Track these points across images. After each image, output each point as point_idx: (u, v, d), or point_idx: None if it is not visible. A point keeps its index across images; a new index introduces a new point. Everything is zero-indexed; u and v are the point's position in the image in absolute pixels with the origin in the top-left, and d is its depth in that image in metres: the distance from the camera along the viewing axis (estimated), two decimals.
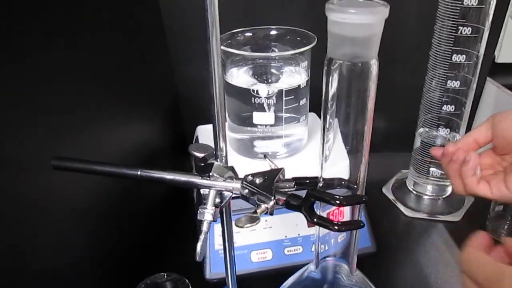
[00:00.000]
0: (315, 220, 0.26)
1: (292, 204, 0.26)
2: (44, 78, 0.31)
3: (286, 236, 0.49)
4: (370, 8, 0.21)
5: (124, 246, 0.45)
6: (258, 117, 0.50)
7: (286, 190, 0.28)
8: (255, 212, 0.26)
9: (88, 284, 0.39)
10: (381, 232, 0.54)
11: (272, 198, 0.27)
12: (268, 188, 0.27)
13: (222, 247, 0.47)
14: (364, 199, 0.25)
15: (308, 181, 0.29)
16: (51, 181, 0.33)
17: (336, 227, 0.25)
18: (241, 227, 0.26)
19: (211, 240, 0.48)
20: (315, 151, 0.55)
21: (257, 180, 0.28)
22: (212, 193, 0.29)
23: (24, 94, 0.29)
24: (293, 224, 0.50)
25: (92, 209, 0.39)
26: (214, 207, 0.28)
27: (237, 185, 0.28)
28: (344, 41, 0.22)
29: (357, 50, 0.22)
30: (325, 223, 0.26)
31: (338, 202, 0.25)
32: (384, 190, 0.65)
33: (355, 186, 0.28)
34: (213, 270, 0.48)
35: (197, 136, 0.59)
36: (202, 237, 0.28)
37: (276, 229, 0.49)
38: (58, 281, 0.33)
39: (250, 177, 0.28)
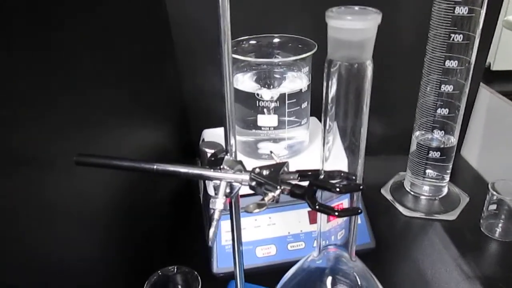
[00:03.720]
0: (317, 207, 0.28)
1: (296, 193, 0.29)
2: (75, 90, 0.34)
3: (289, 233, 0.52)
4: (364, 15, 0.24)
5: (135, 241, 0.48)
6: (262, 120, 0.52)
7: (290, 181, 0.31)
8: (263, 199, 0.29)
9: (102, 276, 0.41)
10: (380, 230, 0.57)
11: (278, 187, 0.29)
12: (274, 179, 0.30)
13: (228, 243, 0.50)
14: (361, 187, 0.28)
15: (310, 173, 0.31)
16: (70, 179, 0.35)
17: (336, 213, 0.28)
18: (250, 212, 0.28)
19: (218, 237, 0.51)
20: (315, 153, 0.58)
21: (264, 172, 0.31)
22: (223, 184, 0.31)
23: (56, 101, 0.32)
24: (295, 221, 0.52)
25: (106, 207, 0.42)
26: (225, 197, 0.31)
27: (246, 176, 0.31)
28: (342, 44, 0.25)
29: (354, 52, 0.25)
30: (326, 209, 0.28)
31: (338, 189, 0.28)
32: (382, 191, 0.68)
33: (354, 177, 0.30)
34: (220, 265, 0.50)
35: (203, 139, 0.62)
36: (214, 223, 0.30)
37: (280, 226, 0.52)
38: (74, 273, 0.36)
39: (257, 169, 0.31)
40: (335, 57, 0.26)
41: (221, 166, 0.32)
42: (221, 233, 0.51)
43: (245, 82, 0.54)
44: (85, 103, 0.37)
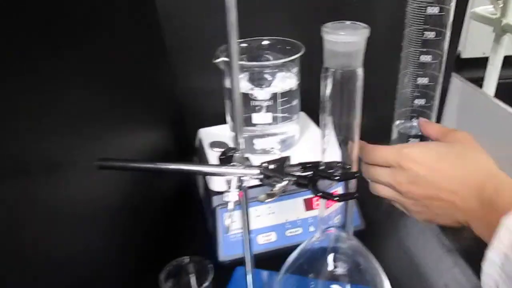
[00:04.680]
0: (319, 194, 0.33)
1: (301, 183, 0.34)
2: (77, 97, 0.37)
3: (287, 220, 0.56)
4: (355, 30, 0.29)
5: (145, 236, 0.52)
6: (257, 118, 0.57)
7: (294, 172, 0.35)
8: (272, 190, 0.33)
9: (122, 268, 0.45)
10: (369, 213, 0.62)
11: (285, 179, 0.34)
12: (280, 172, 0.34)
13: (232, 233, 0.55)
14: (356, 174, 0.33)
15: (311, 165, 0.36)
16: (88, 181, 0.39)
17: (336, 198, 0.33)
18: (262, 201, 0.33)
19: (222, 228, 0.55)
20: (306, 146, 0.63)
21: (271, 166, 0.35)
22: (235, 178, 0.36)
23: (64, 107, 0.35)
24: (292, 209, 0.57)
25: (119, 206, 0.45)
26: (237, 190, 0.35)
27: (255, 171, 0.35)
28: (337, 55, 0.30)
29: (347, 61, 0.30)
30: (328, 196, 0.33)
31: (337, 178, 0.32)
32: None
33: (349, 166, 0.35)
34: (225, 253, 0.54)
35: (199, 138, 0.66)
36: (229, 214, 0.35)
37: (278, 214, 0.56)
38: (95, 265, 0.40)
39: (265, 164, 0.35)
40: (331, 65, 0.30)
41: (232, 163, 0.36)
42: (225, 224, 0.55)
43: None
44: (84, 107, 0.39)
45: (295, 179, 0.34)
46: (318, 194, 0.33)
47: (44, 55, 0.32)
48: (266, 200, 0.33)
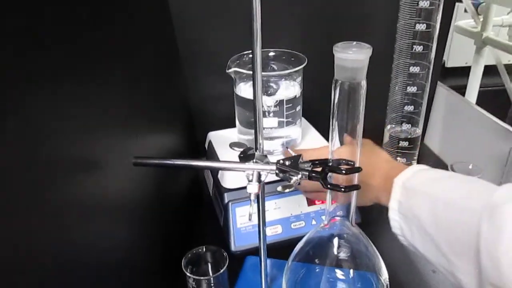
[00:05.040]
0: (328, 186, 0.39)
1: (313, 176, 0.40)
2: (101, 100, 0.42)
3: (291, 214, 0.62)
4: (361, 49, 0.35)
5: (170, 228, 0.57)
6: (264, 122, 0.63)
7: (306, 168, 0.41)
8: (289, 182, 0.40)
9: (151, 255, 0.50)
10: (364, 208, 0.68)
11: (299, 173, 0.40)
12: (295, 167, 0.40)
13: (243, 225, 0.61)
14: (360, 169, 0.39)
15: (320, 161, 0.42)
16: (122, 178, 0.44)
17: (343, 189, 0.39)
18: (281, 192, 0.39)
19: (234, 221, 0.61)
20: (307, 148, 0.69)
21: (286, 162, 0.41)
22: (256, 173, 0.42)
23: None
24: (296, 204, 0.63)
25: (150, 201, 0.51)
26: (258, 183, 0.41)
27: (273, 167, 0.41)
28: (345, 70, 0.36)
29: (353, 75, 0.36)
30: (335, 187, 0.39)
31: (343, 171, 0.38)
32: None
33: (352, 163, 0.41)
34: (237, 244, 0.60)
35: (209, 140, 0.72)
36: (252, 204, 0.41)
37: (283, 209, 0.62)
38: (129, 253, 0.45)
39: (281, 161, 0.41)
40: (340, 78, 0.37)
41: (254, 160, 0.42)
42: (236, 218, 0.61)
43: (247, 90, 0.64)
44: (116, 113, 0.43)
45: (307, 173, 0.40)
46: (326, 187, 0.39)
47: (89, 69, 0.37)
48: (286, 191, 0.39)
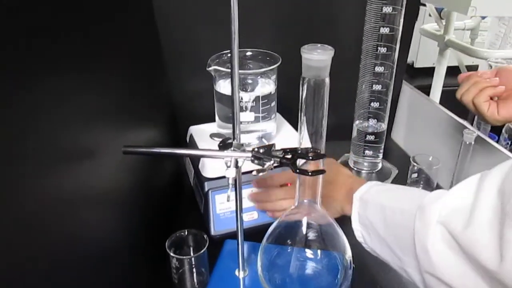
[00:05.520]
0: (297, 170, 0.45)
1: (283, 162, 0.45)
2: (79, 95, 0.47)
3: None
4: (325, 50, 0.40)
5: (155, 214, 0.62)
6: (242, 116, 0.68)
7: (278, 155, 0.47)
8: (263, 167, 0.45)
9: (137, 238, 0.55)
10: None
11: (272, 159, 0.45)
12: (268, 154, 0.46)
13: (222, 211, 0.66)
14: (325, 155, 0.45)
15: (290, 149, 0.47)
16: (111, 167, 0.48)
17: (309, 173, 0.44)
18: (255, 175, 0.44)
19: (213, 207, 0.66)
20: (281, 141, 0.74)
21: (261, 150, 0.46)
22: (233, 160, 0.47)
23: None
24: None
25: (128, 190, 0.55)
26: (235, 168, 0.46)
27: (248, 154, 0.46)
28: (311, 68, 0.41)
29: (318, 73, 0.42)
30: (303, 172, 0.45)
31: (310, 157, 0.44)
32: None
33: (319, 151, 0.47)
34: (217, 228, 0.65)
35: (191, 134, 0.77)
36: (230, 187, 0.46)
37: None
38: (119, 236, 0.49)
39: (256, 149, 0.46)
40: (307, 75, 0.42)
41: (232, 148, 0.47)
42: (215, 205, 0.66)
43: (226, 87, 0.69)
44: (102, 107, 0.46)
45: (279, 159, 0.45)
46: (295, 171, 0.44)
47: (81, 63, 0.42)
48: (259, 175, 0.44)
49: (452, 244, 0.39)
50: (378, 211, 0.50)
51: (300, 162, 0.46)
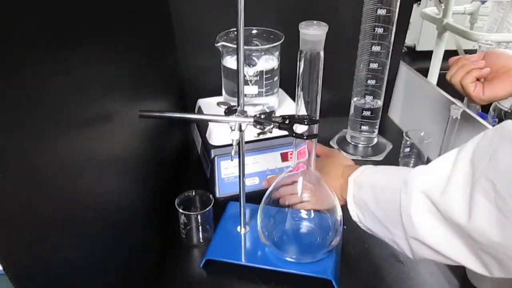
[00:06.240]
0: (294, 134, 0.50)
1: (282, 127, 0.51)
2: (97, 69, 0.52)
3: (267, 168, 0.74)
4: (319, 26, 0.46)
5: (167, 176, 0.68)
6: (246, 89, 0.73)
7: (277, 120, 0.52)
8: (263, 130, 0.51)
9: (146, 200, 0.61)
10: None
11: (272, 123, 0.51)
12: (268, 119, 0.51)
13: (226, 176, 0.72)
14: (318, 121, 0.50)
15: (288, 116, 0.53)
16: (127, 132, 0.54)
17: (304, 137, 0.50)
18: (257, 136, 0.50)
19: (219, 172, 0.72)
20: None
21: (262, 116, 0.52)
22: (237, 124, 0.52)
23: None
24: (271, 160, 0.74)
25: (151, 153, 0.61)
26: (239, 131, 0.52)
27: (251, 119, 0.52)
28: (308, 42, 0.47)
29: (314, 46, 0.47)
30: (299, 135, 0.50)
31: (306, 122, 0.50)
32: (331, 143, 0.92)
33: (314, 117, 0.52)
34: (221, 191, 0.71)
35: (199, 106, 0.82)
36: (234, 147, 0.52)
37: (261, 164, 0.74)
38: (134, 195, 0.55)
39: (258, 115, 0.52)
40: (304, 49, 0.47)
41: (236, 114, 0.53)
42: (221, 170, 0.72)
43: (232, 62, 0.75)
44: (119, 79, 0.51)
45: (278, 124, 0.51)
46: (292, 135, 0.50)
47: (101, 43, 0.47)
48: (260, 136, 0.50)
49: (432, 210, 0.44)
50: (370, 191, 0.54)
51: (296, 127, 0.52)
